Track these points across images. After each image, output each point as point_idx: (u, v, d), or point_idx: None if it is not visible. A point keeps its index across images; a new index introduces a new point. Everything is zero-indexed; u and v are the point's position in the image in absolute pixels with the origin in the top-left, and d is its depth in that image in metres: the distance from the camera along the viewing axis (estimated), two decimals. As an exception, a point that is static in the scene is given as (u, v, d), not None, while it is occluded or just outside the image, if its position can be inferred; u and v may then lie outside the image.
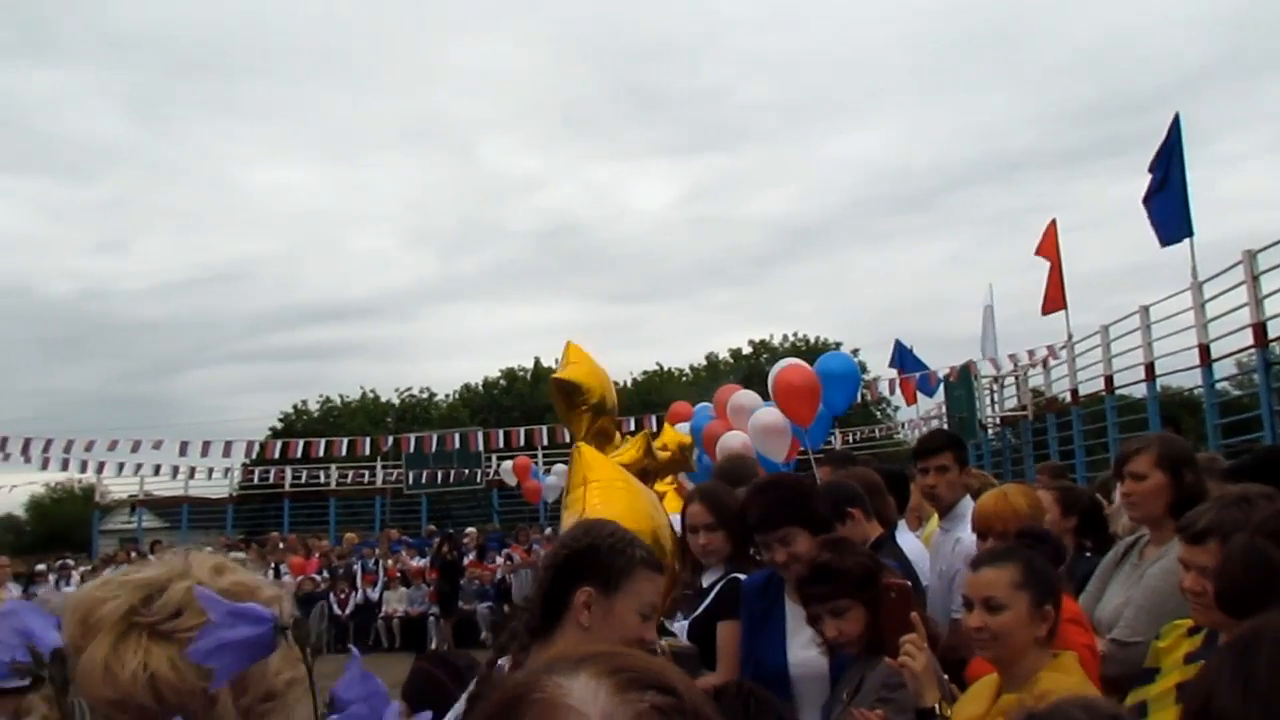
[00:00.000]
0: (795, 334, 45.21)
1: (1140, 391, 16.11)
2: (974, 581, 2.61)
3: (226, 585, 1.09)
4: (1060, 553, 2.84)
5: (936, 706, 2.46)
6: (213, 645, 0.91)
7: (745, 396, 8.71)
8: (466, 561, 17.75)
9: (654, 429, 17.13)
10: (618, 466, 4.59)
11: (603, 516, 3.32)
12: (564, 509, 4.26)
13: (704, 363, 46.10)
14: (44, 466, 22.81)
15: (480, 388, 45.95)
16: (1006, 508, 3.17)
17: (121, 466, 23.85)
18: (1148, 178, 13.96)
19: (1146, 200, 13.81)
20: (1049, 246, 17.59)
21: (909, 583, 2.67)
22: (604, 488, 4.20)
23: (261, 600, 1.10)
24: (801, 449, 7.84)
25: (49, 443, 21.76)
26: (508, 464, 21.77)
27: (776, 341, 44.91)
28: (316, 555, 19.52)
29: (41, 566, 19.21)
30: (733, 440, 7.91)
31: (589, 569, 2.34)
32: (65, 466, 23.60)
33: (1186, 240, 13.51)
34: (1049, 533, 2.87)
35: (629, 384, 45.02)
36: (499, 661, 2.39)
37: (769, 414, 8.12)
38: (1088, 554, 3.84)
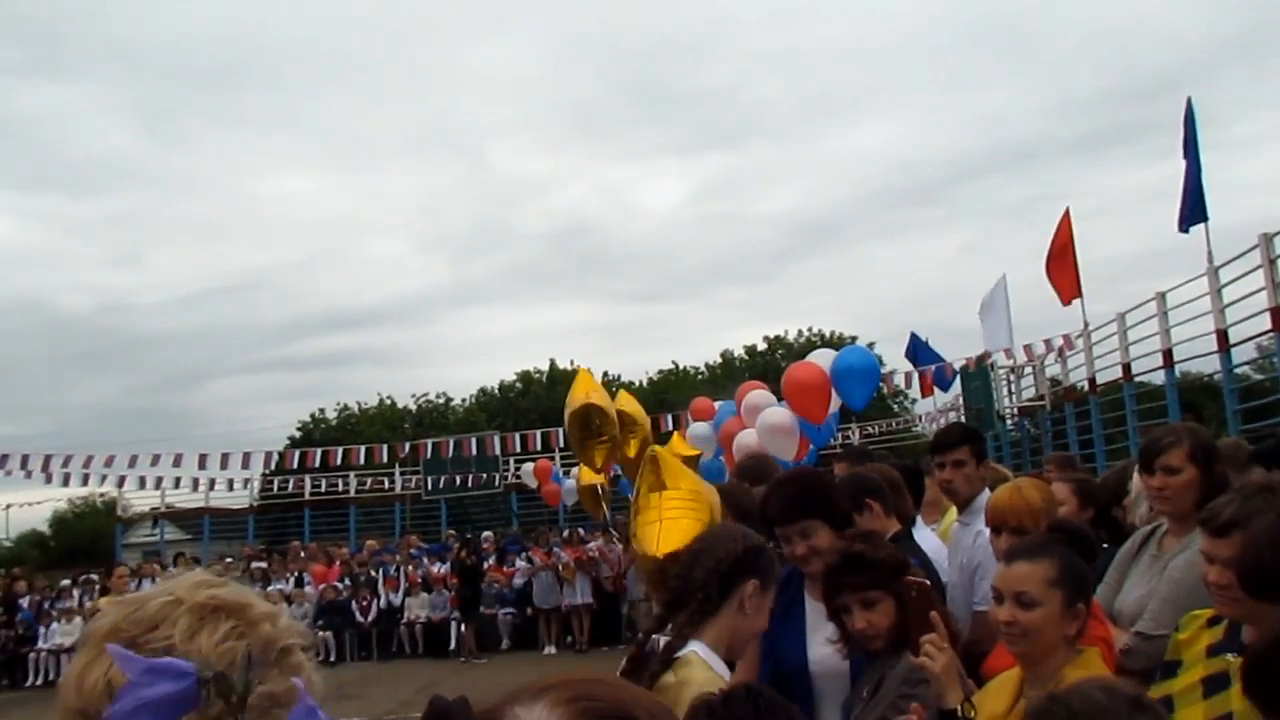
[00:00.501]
0: (810, 329, 45.15)
1: (1159, 379, 16.00)
2: (1007, 575, 2.57)
3: (203, 599, 1.13)
4: (1093, 549, 2.80)
5: (959, 708, 2.42)
6: (131, 705, 0.89)
7: (759, 395, 8.69)
8: (486, 566, 17.77)
9: (670, 428, 17.16)
10: (693, 476, 4.47)
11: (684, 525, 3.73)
12: (636, 513, 4.24)
13: (719, 360, 46.07)
14: (65, 483, 22.97)
15: (496, 391, 46.04)
16: (1020, 502, 3.14)
17: (143, 480, 23.98)
18: (1161, 163, 13.91)
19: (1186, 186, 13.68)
20: (1064, 235, 17.46)
21: (929, 582, 2.65)
22: (682, 498, 4.18)
23: (252, 616, 1.13)
24: (812, 447, 7.83)
25: (69, 459, 21.90)
26: (528, 467, 21.78)
27: (791, 337, 44.86)
28: (338, 563, 19.60)
29: (65, 582, 19.36)
30: (748, 439, 7.91)
31: (758, 566, 2.72)
32: (86, 481, 23.76)
33: (1202, 225, 13.43)
34: (1084, 528, 2.82)
35: (644, 383, 45.04)
36: (651, 637, 2.76)
37: (775, 413, 8.10)
38: (1104, 545, 3.80)
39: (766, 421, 7.86)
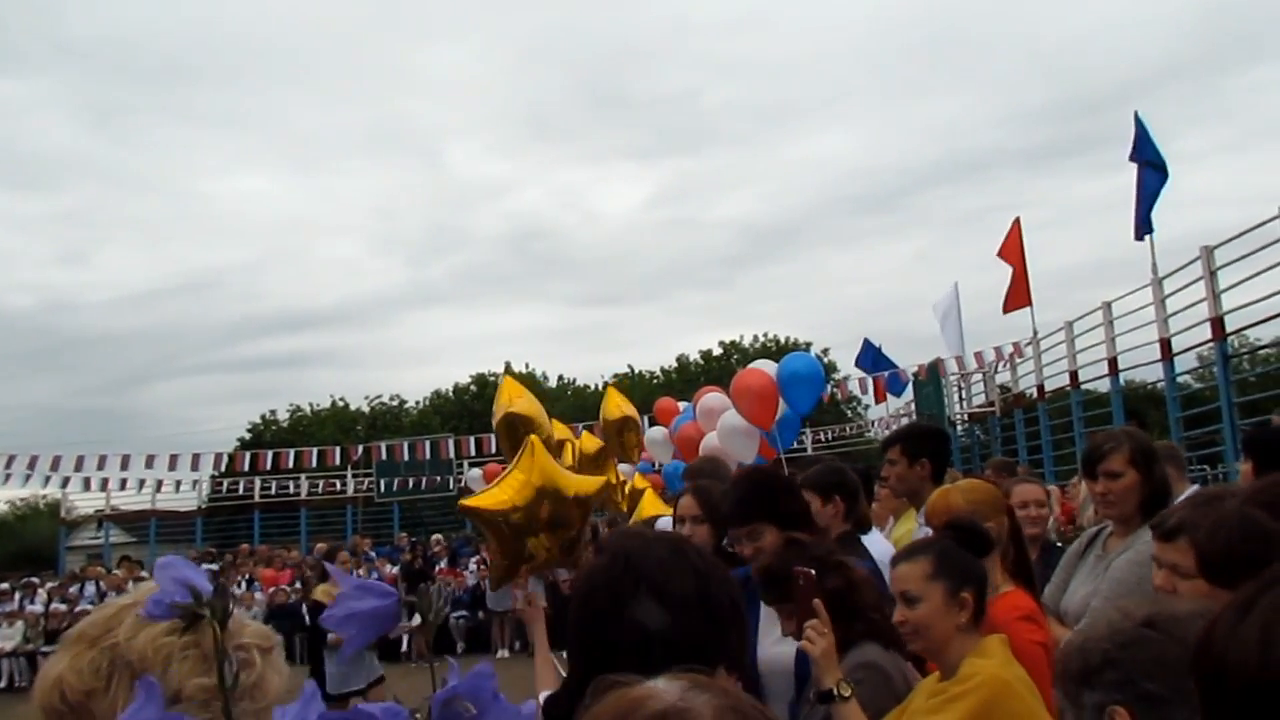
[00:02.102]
0: (765, 335, 45.44)
1: (1104, 386, 16.35)
2: (892, 578, 2.69)
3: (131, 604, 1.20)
4: (987, 544, 2.90)
5: (835, 687, 2.52)
6: (343, 614, 0.95)
7: (715, 399, 8.76)
8: (438, 569, 17.64)
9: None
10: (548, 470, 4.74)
11: None
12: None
13: (675, 365, 46.18)
14: (5, 482, 22.45)
15: (451, 394, 45.75)
16: (942, 505, 3.24)
17: (87, 482, 23.49)
18: (1110, 175, 14.18)
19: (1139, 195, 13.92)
20: (1014, 244, 17.76)
21: (813, 571, 2.71)
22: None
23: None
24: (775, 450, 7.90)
25: (12, 459, 21.41)
26: (476, 472, 21.67)
27: (747, 343, 45.09)
28: (289, 568, 19.35)
29: (4, 585, 18.89)
30: (712, 444, 7.97)
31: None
32: (26, 482, 23.22)
33: (1147, 237, 13.73)
34: (977, 524, 2.94)
35: (601, 387, 45.02)
36: None
37: (735, 416, 8.17)
38: (1058, 545, 3.89)
39: (726, 424, 7.93)
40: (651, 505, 6.62)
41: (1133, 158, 13.80)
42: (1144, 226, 13.69)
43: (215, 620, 0.94)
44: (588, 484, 4.93)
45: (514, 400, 5.88)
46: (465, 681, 0.89)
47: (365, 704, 0.88)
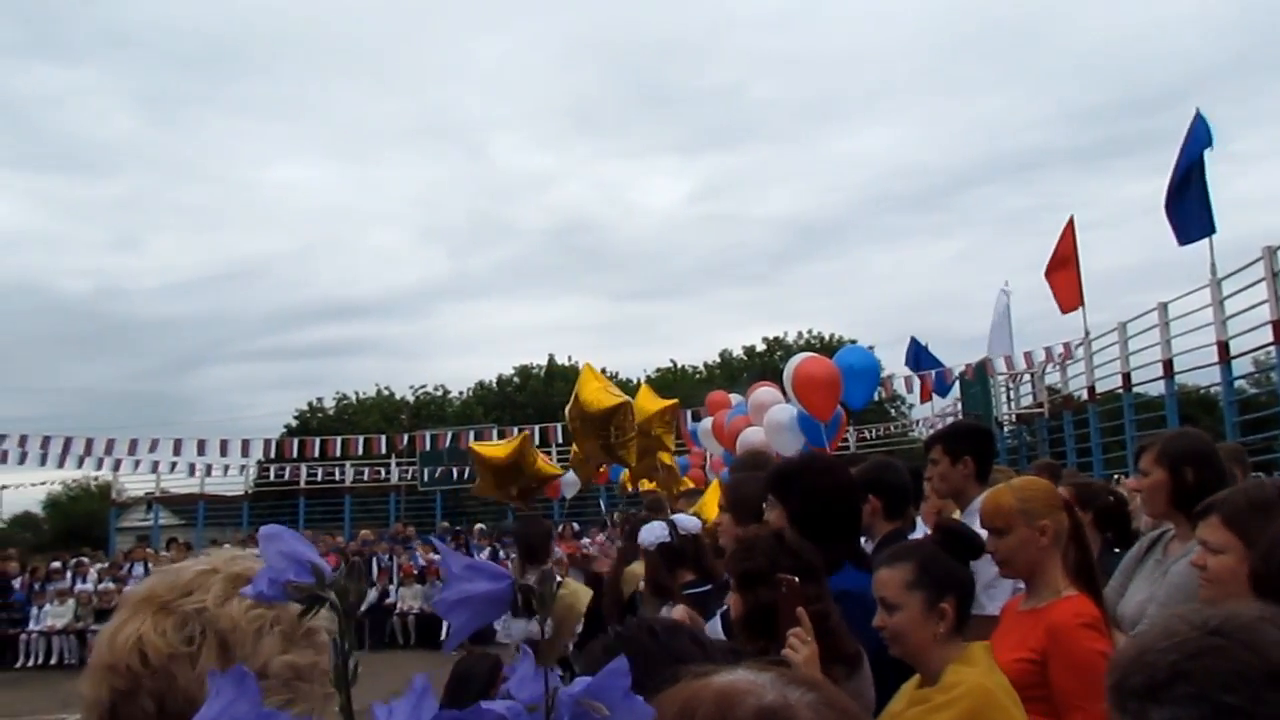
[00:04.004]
0: (809, 331, 45.19)
1: (1158, 389, 16.03)
2: (874, 581, 2.67)
3: (238, 570, 1.17)
4: (976, 549, 2.85)
5: None
6: (455, 597, 0.87)
7: (767, 393, 8.69)
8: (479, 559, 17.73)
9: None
10: None
11: None
12: None
13: (718, 360, 46.08)
14: (60, 465, 23.00)
15: (494, 385, 46.04)
16: (993, 504, 3.15)
17: (138, 464, 23.98)
18: (1163, 176, 13.85)
19: (1168, 201, 13.67)
20: (1067, 244, 17.48)
21: (797, 579, 2.66)
22: None
23: None
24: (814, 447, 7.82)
25: (68, 441, 21.92)
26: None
27: (791, 339, 44.88)
28: (332, 553, 19.58)
29: (56, 564, 19.33)
30: (753, 436, 7.92)
31: None
32: (82, 464, 23.77)
33: (1205, 238, 13.42)
34: (966, 528, 2.88)
35: (643, 381, 45.03)
36: None
37: (782, 411, 8.09)
38: (1115, 550, 3.81)
39: (775, 419, 7.87)
40: (712, 510, 6.59)
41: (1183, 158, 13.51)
42: (1199, 229, 13.37)
43: (344, 608, 0.84)
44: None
45: (595, 400, 6.45)
46: (597, 681, 0.81)
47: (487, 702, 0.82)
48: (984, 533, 3.89)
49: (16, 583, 18.48)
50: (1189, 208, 13.42)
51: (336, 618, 1.13)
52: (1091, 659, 2.65)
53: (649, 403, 9.17)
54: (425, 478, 25.88)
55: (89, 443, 22.28)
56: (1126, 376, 16.52)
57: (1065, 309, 17.53)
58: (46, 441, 21.74)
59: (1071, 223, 17.64)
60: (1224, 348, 13.45)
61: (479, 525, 20.46)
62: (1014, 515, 3.00)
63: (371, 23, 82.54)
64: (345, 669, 0.78)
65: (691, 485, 11.14)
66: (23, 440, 21.54)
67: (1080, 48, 68.85)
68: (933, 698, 2.43)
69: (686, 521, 4.47)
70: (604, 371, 47.07)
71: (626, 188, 76.36)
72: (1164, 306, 14.98)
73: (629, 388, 43.18)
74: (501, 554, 18.48)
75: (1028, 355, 19.98)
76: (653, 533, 4.43)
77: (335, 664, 0.78)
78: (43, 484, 36.82)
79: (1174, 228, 13.62)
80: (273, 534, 0.86)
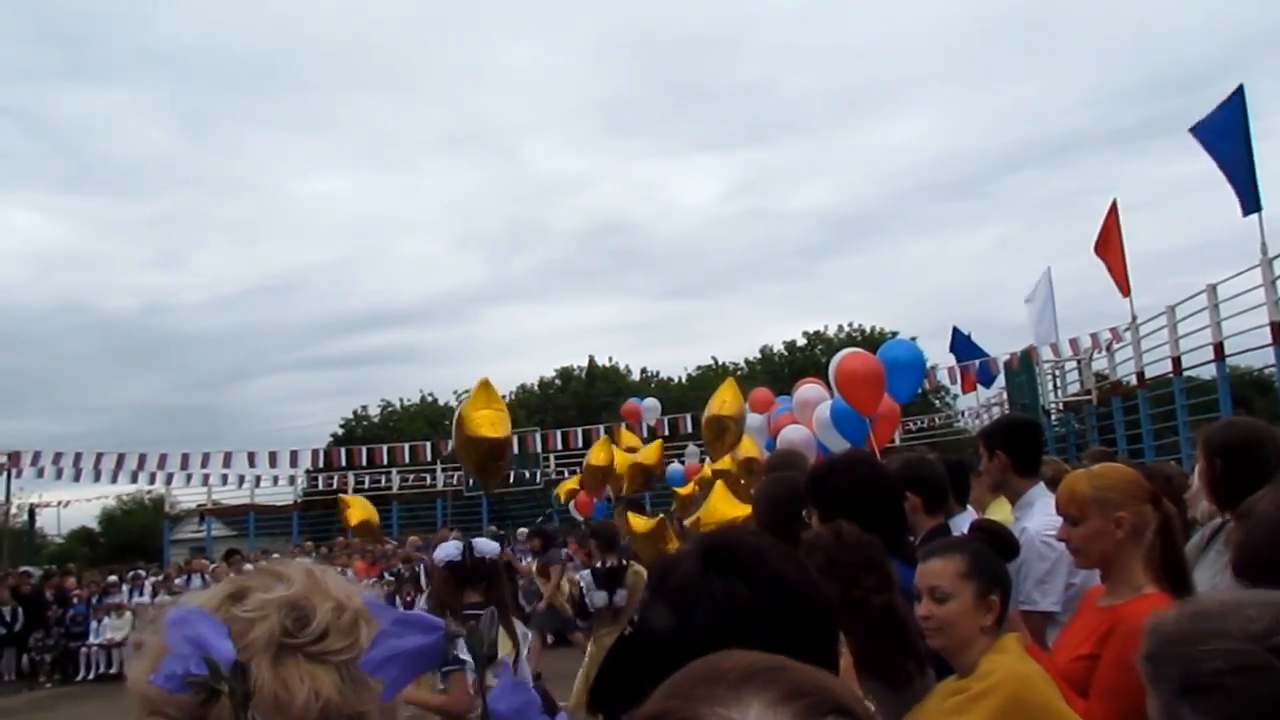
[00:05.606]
0: (850, 324, 44.88)
1: (1209, 373, 15.71)
2: (921, 572, 2.64)
3: (359, 606, 1.03)
4: (1013, 548, 2.82)
5: None
6: (384, 655, 0.84)
7: (812, 390, 8.64)
8: (524, 564, 17.75)
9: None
10: None
11: None
12: None
13: (758, 356, 45.93)
14: (114, 480, 23.47)
15: (536, 387, 46.25)
16: (1066, 493, 3.07)
17: (190, 477, 24.39)
18: (1201, 155, 13.58)
19: (1228, 170, 13.33)
20: (1111, 228, 17.17)
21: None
22: None
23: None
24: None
25: (121, 457, 22.34)
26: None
27: (831, 332, 44.62)
28: (376, 562, 19.77)
29: (113, 577, 19.70)
30: (793, 434, 7.87)
31: None
32: (135, 479, 24.24)
33: (1255, 216, 13.14)
34: (1002, 527, 2.84)
35: (684, 380, 45.01)
36: None
37: (826, 410, 8.04)
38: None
39: (823, 417, 7.82)
40: (724, 501, 6.58)
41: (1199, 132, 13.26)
42: (1247, 204, 13.10)
43: (236, 701, 0.81)
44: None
45: (724, 404, 6.80)
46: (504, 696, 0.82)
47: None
48: (1040, 524, 3.85)
49: (75, 597, 18.86)
50: (1238, 183, 13.16)
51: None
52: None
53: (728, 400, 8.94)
54: (470, 482, 26.04)
55: (142, 458, 22.71)
56: (1177, 360, 16.20)
57: (1124, 292, 17.17)
58: (100, 458, 22.20)
59: (1114, 207, 17.33)
60: (1277, 328, 13.15)
61: (521, 529, 20.51)
62: (1087, 504, 2.90)
63: (402, 33, 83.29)
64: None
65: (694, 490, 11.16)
66: (78, 457, 22.02)
67: (1115, 26, 67.79)
68: (970, 687, 2.42)
69: (484, 545, 4.66)
70: (644, 371, 46.99)
71: (661, 187, 76.33)
72: (1213, 288, 14.68)
73: (670, 386, 43.25)
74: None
75: (1073, 342, 19.69)
76: (445, 551, 4.69)
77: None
78: (98, 499, 37.71)
79: (1240, 197, 13.27)
80: (183, 619, 0.84)
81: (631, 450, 14.34)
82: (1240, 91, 13.25)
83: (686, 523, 6.51)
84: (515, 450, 24.77)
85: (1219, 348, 14.71)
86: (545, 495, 27.61)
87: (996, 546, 2.73)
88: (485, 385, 7.41)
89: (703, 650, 0.84)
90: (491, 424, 6.87)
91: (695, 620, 1.40)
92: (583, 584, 6.99)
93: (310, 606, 0.99)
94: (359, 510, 14.65)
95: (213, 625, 0.84)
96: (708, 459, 10.54)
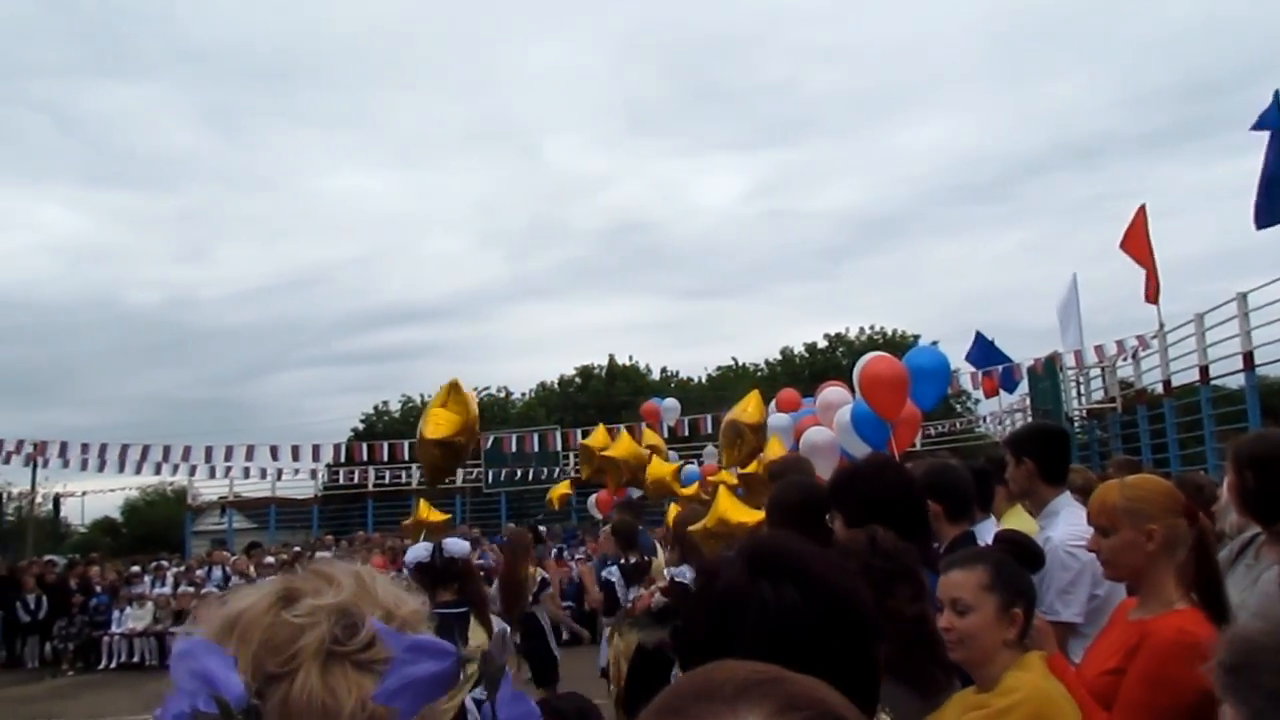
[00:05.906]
0: (872, 327, 44.66)
1: (1237, 382, 15.52)
2: (943, 583, 2.60)
3: (407, 614, 1.01)
4: (1038, 559, 2.78)
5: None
6: (396, 684, 0.82)
7: (835, 393, 8.61)
8: (544, 561, 17.77)
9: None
10: None
11: None
12: None
13: (779, 357, 45.80)
14: (138, 471, 23.67)
15: (556, 385, 46.31)
16: (1098, 503, 3.03)
17: (212, 470, 24.60)
18: (1235, 160, 13.42)
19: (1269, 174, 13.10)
20: (1138, 233, 16.93)
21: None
22: None
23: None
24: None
25: (146, 449, 22.54)
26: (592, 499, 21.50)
27: (852, 335, 44.44)
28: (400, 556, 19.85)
29: (135, 568, 19.88)
30: (816, 436, 7.85)
31: None
32: (159, 471, 24.45)
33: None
34: (1027, 538, 2.79)
35: (704, 379, 44.96)
36: None
37: (847, 414, 8.01)
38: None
39: (844, 421, 7.79)
40: (731, 507, 6.54)
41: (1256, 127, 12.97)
42: (1270, 215, 12.86)
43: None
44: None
45: (745, 412, 7.11)
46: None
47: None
48: (1065, 534, 3.80)
49: (99, 586, 19.04)
50: (1266, 190, 12.94)
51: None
52: (1174, 683, 2.40)
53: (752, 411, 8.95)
54: (490, 479, 26.09)
55: (166, 449, 22.92)
56: (1204, 369, 16.00)
57: (1149, 297, 16.91)
58: (125, 449, 22.40)
59: (1143, 211, 17.08)
60: (1308, 338, 12.97)
61: (541, 527, 20.54)
62: (1118, 515, 2.84)
63: (428, 32, 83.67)
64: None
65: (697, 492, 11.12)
66: (102, 449, 22.22)
67: (1145, 29, 67.15)
68: (992, 702, 2.38)
69: (454, 545, 4.81)
70: (664, 371, 46.99)
71: (683, 186, 76.27)
72: (1243, 297, 14.50)
73: (690, 386, 43.18)
74: (565, 554, 18.59)
75: (1098, 349, 19.50)
76: (415, 554, 4.85)
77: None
78: (121, 490, 38.08)
79: (1256, 210, 13.07)
80: (188, 652, 0.81)
81: (653, 449, 14.34)
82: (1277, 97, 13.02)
83: (693, 529, 6.46)
84: (519, 449, 24.86)
85: (1248, 357, 14.53)
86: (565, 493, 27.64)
87: (1021, 558, 2.68)
88: (452, 385, 7.33)
89: (750, 654, 0.85)
90: (437, 423, 6.85)
91: (743, 624, 1.41)
92: (614, 580, 7.11)
93: (359, 614, 0.96)
94: (426, 511, 14.51)
95: (219, 658, 0.81)
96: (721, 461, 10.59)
